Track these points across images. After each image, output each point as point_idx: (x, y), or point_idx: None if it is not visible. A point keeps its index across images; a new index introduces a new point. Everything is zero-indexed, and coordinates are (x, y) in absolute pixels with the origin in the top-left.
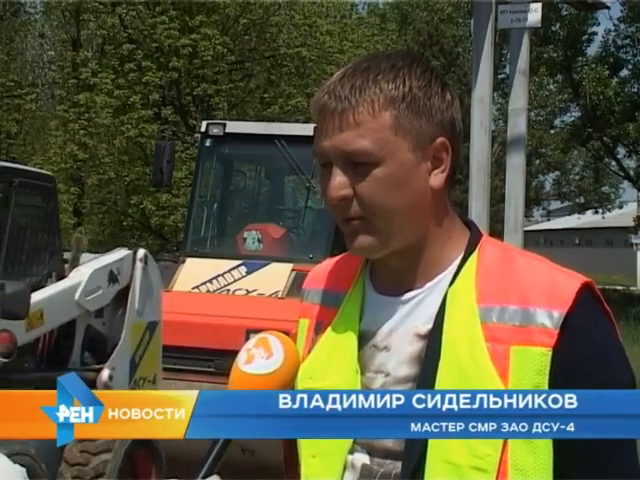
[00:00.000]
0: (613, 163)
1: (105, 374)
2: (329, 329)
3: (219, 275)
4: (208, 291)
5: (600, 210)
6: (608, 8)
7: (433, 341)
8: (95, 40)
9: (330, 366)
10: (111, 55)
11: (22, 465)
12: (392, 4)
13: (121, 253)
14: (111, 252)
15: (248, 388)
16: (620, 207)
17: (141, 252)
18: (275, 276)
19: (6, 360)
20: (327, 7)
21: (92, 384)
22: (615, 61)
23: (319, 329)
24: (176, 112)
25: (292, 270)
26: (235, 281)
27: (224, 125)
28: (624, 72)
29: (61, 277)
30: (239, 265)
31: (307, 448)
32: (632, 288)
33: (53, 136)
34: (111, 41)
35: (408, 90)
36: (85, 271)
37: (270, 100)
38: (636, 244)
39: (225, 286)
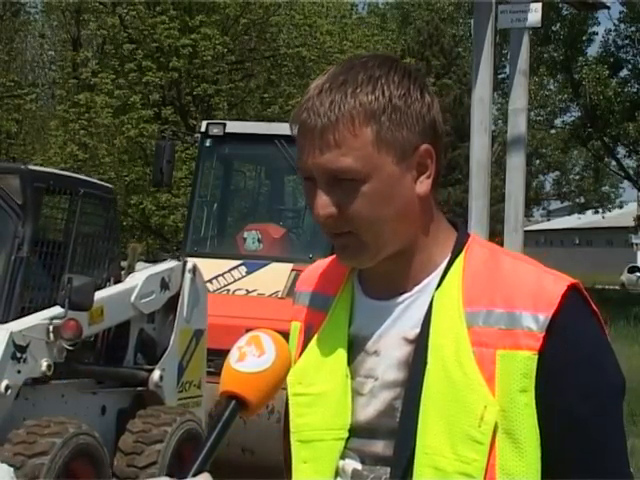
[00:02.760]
0: (613, 163)
1: (156, 374)
2: (319, 333)
3: (219, 275)
4: (208, 291)
5: (600, 210)
6: (608, 8)
7: (420, 346)
8: (95, 40)
9: (320, 371)
10: (111, 55)
11: (85, 443)
12: (392, 4)
13: (171, 263)
14: (162, 262)
15: (239, 386)
16: (620, 207)
17: (190, 264)
18: (275, 276)
19: (71, 348)
20: (327, 7)
21: (144, 383)
22: (615, 61)
23: (309, 332)
24: (176, 112)
25: (292, 270)
26: (235, 281)
27: (224, 125)
28: (624, 72)
29: (118, 282)
30: (239, 265)
31: (298, 454)
32: None
33: (53, 136)
34: (111, 41)
35: (388, 101)
36: (140, 277)
37: (270, 100)
38: (636, 244)
39: (225, 286)
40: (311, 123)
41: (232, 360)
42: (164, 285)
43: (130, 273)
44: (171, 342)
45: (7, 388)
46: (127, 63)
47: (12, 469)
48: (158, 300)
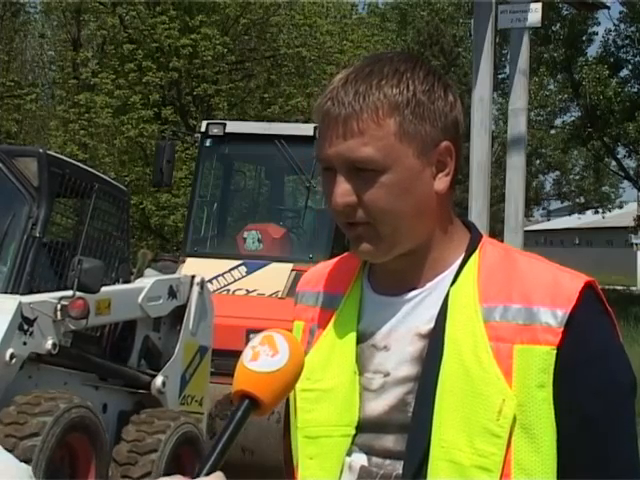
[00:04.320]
0: (613, 163)
1: (159, 380)
2: (327, 330)
3: (219, 275)
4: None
5: (600, 210)
6: (608, 8)
7: (435, 340)
8: (95, 40)
9: (328, 367)
10: (111, 55)
11: (78, 417)
12: (392, 4)
13: (179, 275)
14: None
15: (253, 385)
16: (620, 207)
17: (198, 277)
18: (275, 276)
19: (75, 328)
20: (327, 7)
21: (147, 387)
22: (615, 61)
23: (315, 331)
24: (176, 112)
25: (292, 270)
26: (235, 281)
27: (224, 125)
28: (624, 72)
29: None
30: (239, 265)
31: (304, 450)
32: (632, 288)
33: (53, 136)
34: (111, 41)
35: (412, 95)
36: (148, 280)
37: (270, 100)
38: (636, 244)
39: (225, 286)
40: (335, 112)
41: (245, 359)
42: (172, 293)
43: (139, 277)
44: (176, 351)
45: (12, 357)
46: (127, 63)
47: (30, 467)
48: (165, 306)
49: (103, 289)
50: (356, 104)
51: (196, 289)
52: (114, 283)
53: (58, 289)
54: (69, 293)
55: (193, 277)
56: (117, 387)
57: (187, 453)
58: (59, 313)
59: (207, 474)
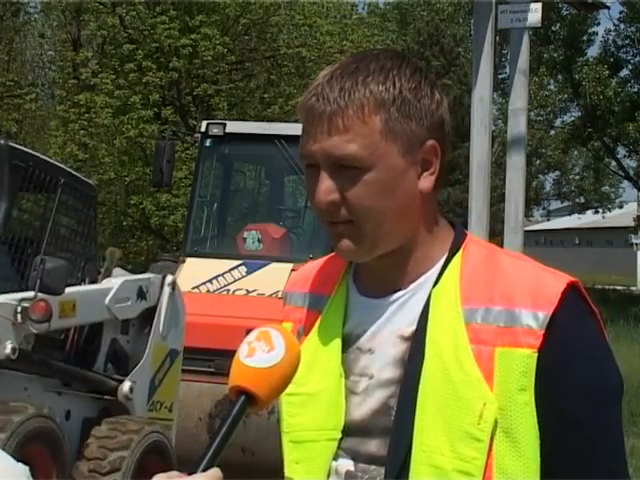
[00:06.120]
0: (613, 163)
1: (126, 386)
2: (312, 333)
3: (219, 275)
4: (208, 291)
5: (600, 210)
6: (608, 8)
7: (417, 343)
8: (95, 40)
9: (313, 370)
10: (111, 55)
11: (37, 427)
12: (392, 4)
13: (150, 274)
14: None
15: (249, 381)
16: (620, 207)
17: (169, 278)
18: (275, 276)
19: (37, 332)
20: (327, 7)
21: (113, 392)
22: (615, 61)
23: (302, 332)
24: (176, 112)
25: (292, 270)
26: (235, 281)
27: (224, 125)
28: (624, 72)
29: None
30: (239, 265)
31: (291, 454)
32: (632, 288)
33: (53, 136)
34: (111, 41)
35: (398, 92)
36: (116, 280)
37: (270, 100)
38: (636, 244)
39: (225, 286)
40: (320, 108)
41: (241, 355)
42: (141, 294)
43: (107, 277)
44: (145, 355)
45: None
46: (127, 63)
47: (27, 467)
48: (133, 308)
49: (68, 290)
50: (341, 100)
51: (167, 290)
52: (80, 283)
53: (20, 289)
54: (31, 294)
55: (164, 277)
56: (82, 393)
57: (154, 463)
58: (19, 316)
59: (204, 470)
